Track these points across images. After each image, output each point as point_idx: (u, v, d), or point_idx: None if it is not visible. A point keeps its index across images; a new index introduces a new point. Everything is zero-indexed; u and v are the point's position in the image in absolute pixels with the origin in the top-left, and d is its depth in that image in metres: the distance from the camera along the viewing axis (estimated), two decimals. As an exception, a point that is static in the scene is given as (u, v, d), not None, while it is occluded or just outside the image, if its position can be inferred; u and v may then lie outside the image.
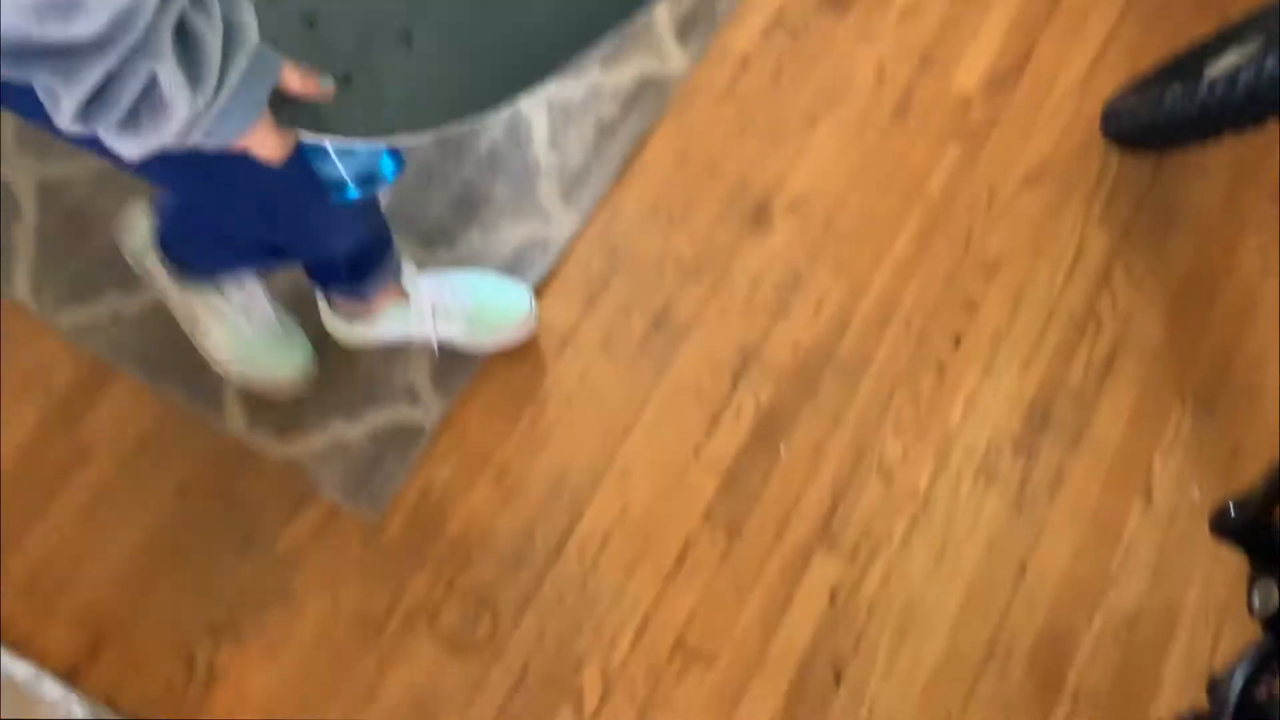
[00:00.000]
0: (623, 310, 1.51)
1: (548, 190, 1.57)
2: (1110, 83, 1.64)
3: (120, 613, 1.35)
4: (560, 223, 1.55)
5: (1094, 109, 1.62)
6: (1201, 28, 1.65)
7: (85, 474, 1.41)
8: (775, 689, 1.31)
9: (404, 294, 1.38)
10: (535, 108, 1.59)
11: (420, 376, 1.46)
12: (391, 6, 0.81)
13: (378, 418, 1.44)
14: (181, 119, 0.61)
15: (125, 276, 1.49)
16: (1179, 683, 1.34)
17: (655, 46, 1.65)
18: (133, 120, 0.61)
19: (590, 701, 1.31)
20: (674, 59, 1.65)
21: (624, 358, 1.48)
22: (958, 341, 1.48)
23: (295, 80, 0.71)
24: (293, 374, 1.41)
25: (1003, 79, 1.65)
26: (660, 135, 1.61)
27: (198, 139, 0.65)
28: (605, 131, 1.60)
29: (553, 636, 1.34)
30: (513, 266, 1.52)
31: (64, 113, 0.59)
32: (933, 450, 1.43)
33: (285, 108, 0.72)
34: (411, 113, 0.82)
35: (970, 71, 1.65)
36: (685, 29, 1.65)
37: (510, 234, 1.54)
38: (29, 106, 0.66)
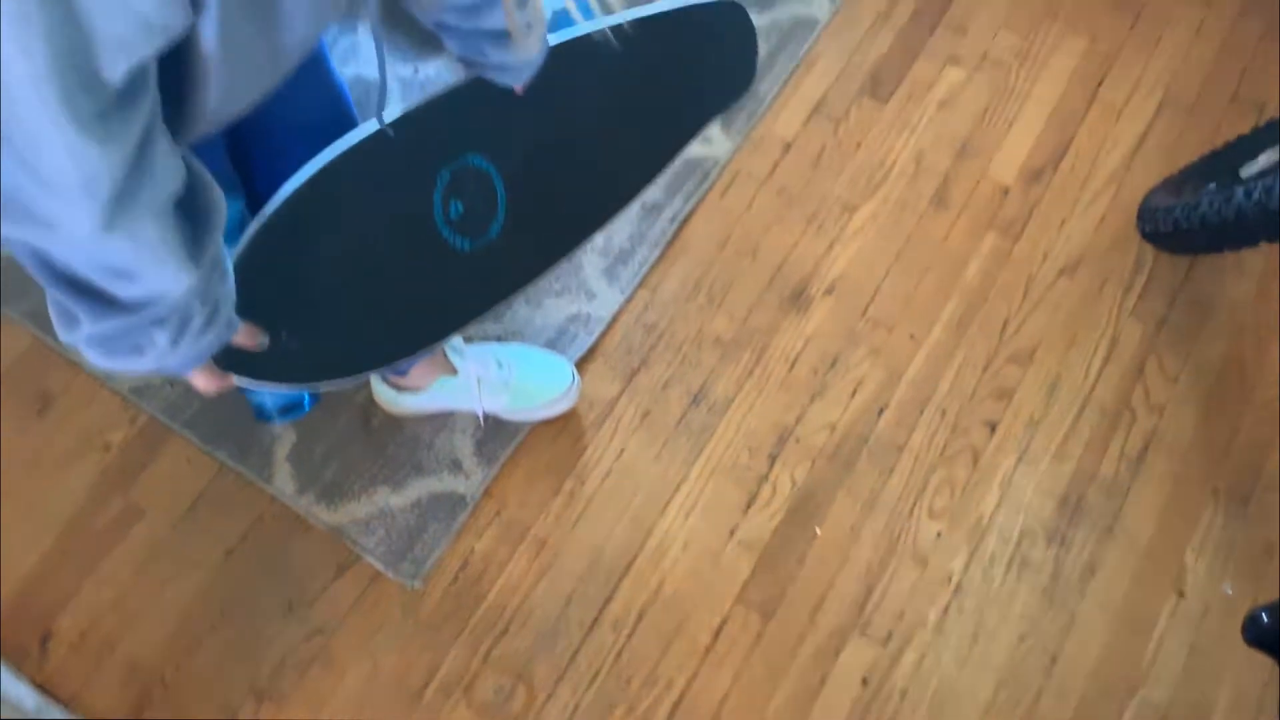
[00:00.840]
0: (662, 387, 1.54)
1: (592, 267, 1.62)
2: (1147, 176, 1.67)
3: (166, 671, 1.39)
4: (603, 299, 1.59)
5: (1130, 201, 1.65)
6: (1238, 124, 1.69)
7: (137, 532, 1.46)
8: (805, 773, 1.32)
9: (452, 369, 1.43)
10: (583, 187, 1.64)
11: (464, 447, 1.50)
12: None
13: (422, 486, 1.48)
14: (148, 367, 0.76)
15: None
16: (1210, 780, 1.34)
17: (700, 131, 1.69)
18: (112, 352, 0.74)
19: (622, 778, 1.32)
20: (718, 143, 1.70)
21: (662, 434, 1.51)
22: (992, 429, 1.51)
23: (241, 335, 0.87)
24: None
25: (1040, 170, 1.69)
26: (702, 217, 1.65)
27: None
28: (649, 212, 1.65)
29: (586, 712, 1.36)
30: (556, 341, 1.56)
31: (78, 335, 0.72)
32: (966, 536, 1.44)
33: (225, 354, 0.87)
34: (329, 366, 1.06)
35: (1008, 162, 1.69)
36: (730, 115, 1.70)
37: (555, 309, 1.59)
38: None
